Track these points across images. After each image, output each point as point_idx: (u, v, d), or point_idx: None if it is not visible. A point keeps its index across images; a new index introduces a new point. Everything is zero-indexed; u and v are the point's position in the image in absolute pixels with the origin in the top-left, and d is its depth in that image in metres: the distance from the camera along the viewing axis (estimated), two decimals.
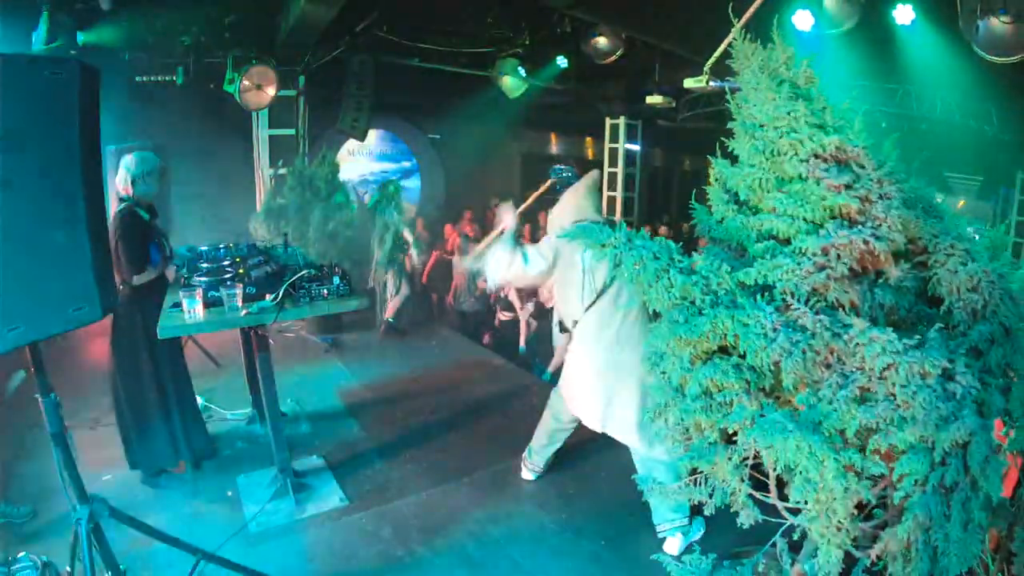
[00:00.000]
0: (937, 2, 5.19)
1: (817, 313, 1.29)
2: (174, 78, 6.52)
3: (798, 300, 1.31)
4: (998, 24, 4.65)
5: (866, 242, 1.29)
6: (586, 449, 3.53)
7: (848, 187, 1.32)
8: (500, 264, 2.84)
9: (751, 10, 4.01)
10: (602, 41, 6.70)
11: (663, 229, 8.15)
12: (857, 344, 1.25)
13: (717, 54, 3.75)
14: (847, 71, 6.77)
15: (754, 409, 1.28)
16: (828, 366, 1.30)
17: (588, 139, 12.74)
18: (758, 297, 1.34)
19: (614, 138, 9.02)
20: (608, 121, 9.06)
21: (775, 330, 1.27)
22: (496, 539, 3.09)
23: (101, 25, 5.51)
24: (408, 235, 6.28)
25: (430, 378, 5.24)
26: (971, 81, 6.59)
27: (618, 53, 6.68)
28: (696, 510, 3.17)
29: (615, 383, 2.87)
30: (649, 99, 7.13)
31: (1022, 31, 4.60)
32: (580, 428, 3.39)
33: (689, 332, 1.32)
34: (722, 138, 1.59)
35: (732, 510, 2.07)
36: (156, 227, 3.36)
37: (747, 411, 1.29)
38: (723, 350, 1.36)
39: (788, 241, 1.39)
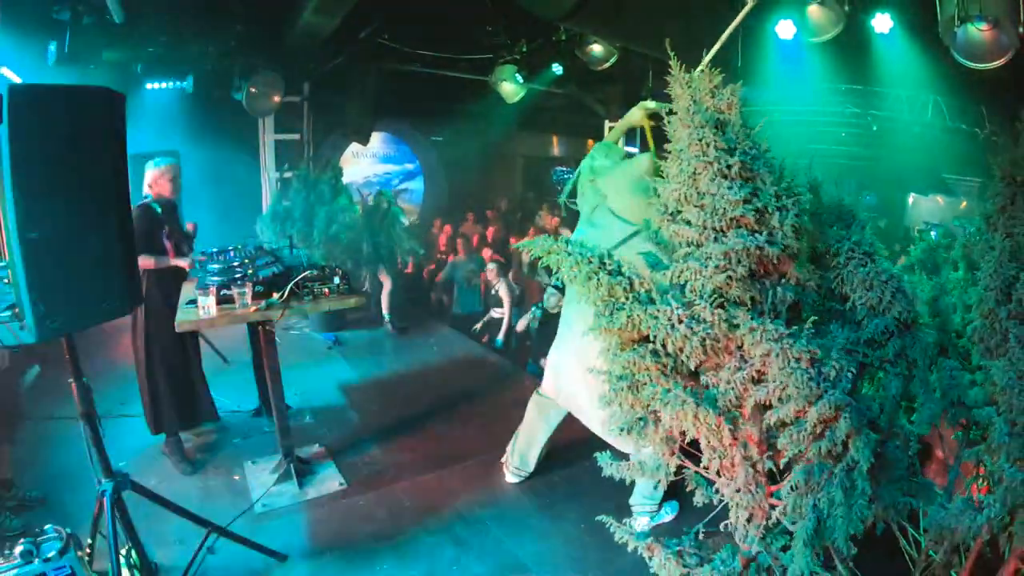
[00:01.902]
0: (915, 10, 5.31)
1: (716, 307, 1.53)
2: (184, 86, 6.79)
3: (701, 297, 1.55)
4: (976, 31, 4.78)
5: (760, 248, 1.53)
6: (571, 440, 3.73)
7: (747, 201, 1.56)
8: None
9: (735, 22, 4.20)
10: (596, 48, 6.90)
11: None
12: (743, 333, 1.49)
13: (704, 63, 3.95)
14: (832, 77, 6.91)
15: (666, 387, 1.53)
16: (731, 352, 1.55)
17: (590, 141, 12.89)
18: (671, 294, 1.59)
19: None
20: (607, 124, 9.24)
21: (680, 321, 1.51)
22: (483, 520, 3.31)
23: (115, 38, 5.76)
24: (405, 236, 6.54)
25: (427, 373, 5.47)
26: (957, 85, 6.71)
27: (612, 60, 6.88)
28: (671, 495, 3.41)
29: (567, 356, 3.15)
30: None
31: (999, 37, 4.73)
32: (567, 423, 3.60)
33: (611, 323, 1.56)
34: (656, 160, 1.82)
35: (688, 489, 2.30)
36: (168, 220, 3.70)
37: (657, 387, 1.54)
38: (646, 339, 1.60)
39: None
